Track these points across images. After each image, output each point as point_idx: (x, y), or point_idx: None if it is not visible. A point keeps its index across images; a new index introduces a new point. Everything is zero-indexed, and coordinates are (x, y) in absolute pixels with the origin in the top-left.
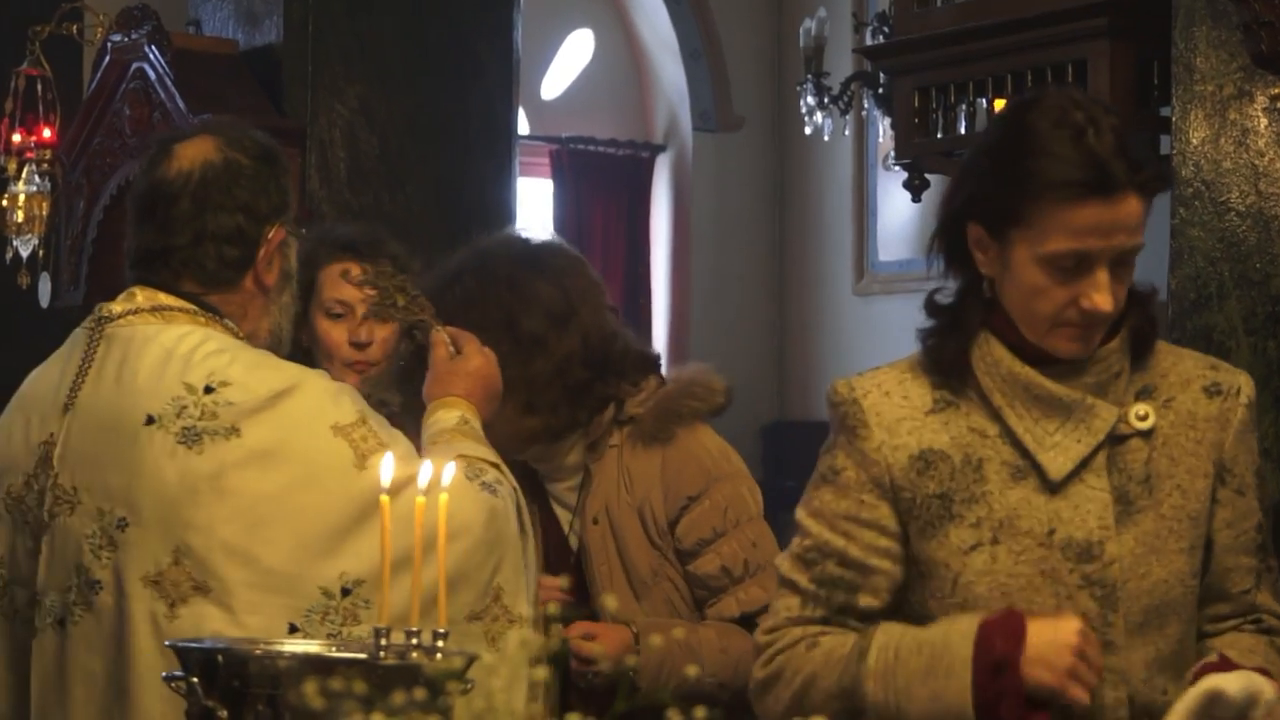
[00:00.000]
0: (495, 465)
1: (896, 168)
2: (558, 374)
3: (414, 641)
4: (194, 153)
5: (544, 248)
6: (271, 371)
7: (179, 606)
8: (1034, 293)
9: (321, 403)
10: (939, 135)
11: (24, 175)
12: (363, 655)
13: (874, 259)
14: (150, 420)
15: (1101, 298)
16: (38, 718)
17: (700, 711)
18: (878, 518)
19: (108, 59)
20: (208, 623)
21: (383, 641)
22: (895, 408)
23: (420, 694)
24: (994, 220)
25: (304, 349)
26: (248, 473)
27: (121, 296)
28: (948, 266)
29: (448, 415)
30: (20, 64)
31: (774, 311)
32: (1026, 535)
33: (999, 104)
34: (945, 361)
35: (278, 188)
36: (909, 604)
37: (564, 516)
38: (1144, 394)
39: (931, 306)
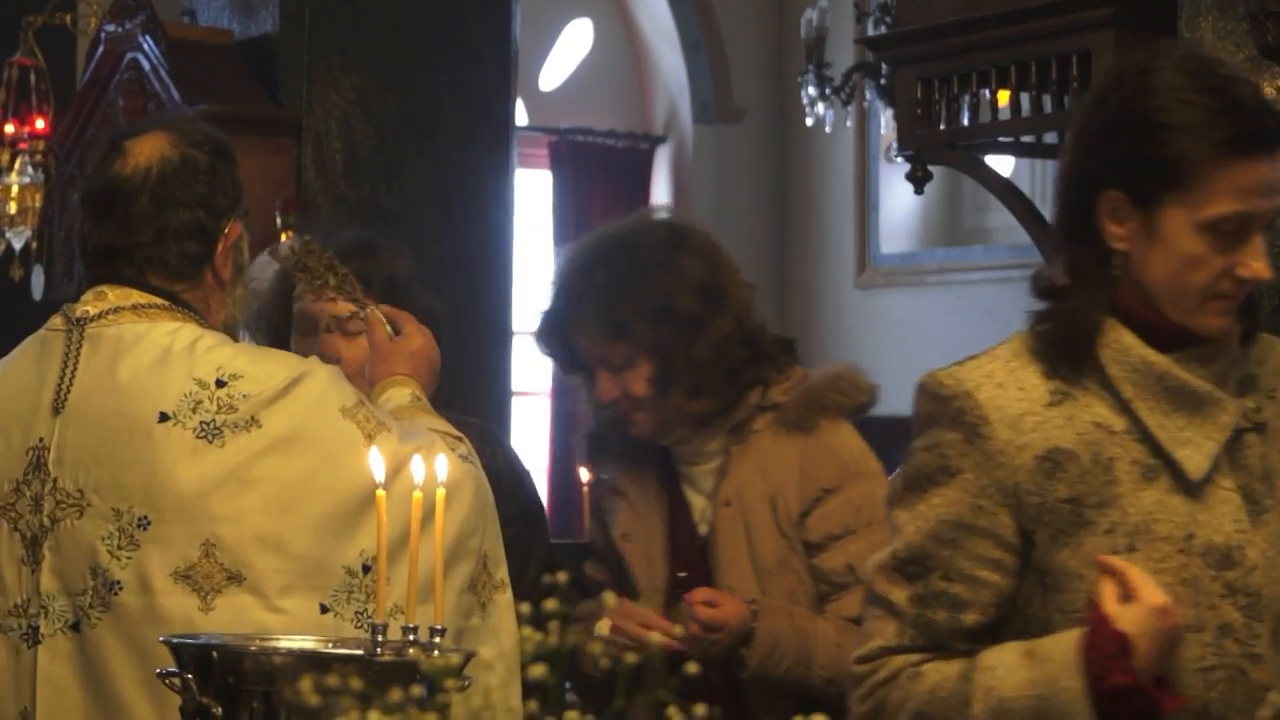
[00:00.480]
0: (460, 439)
1: (899, 159)
2: (719, 355)
3: (411, 637)
4: (149, 149)
5: (684, 225)
6: (276, 361)
7: (214, 598)
8: (1190, 263)
9: (327, 387)
10: (942, 126)
11: (17, 166)
12: (359, 651)
13: (876, 252)
14: (165, 418)
15: (1261, 264)
16: None
17: (700, 709)
18: (994, 525)
19: (101, 49)
20: (246, 611)
21: (379, 638)
22: (1014, 401)
23: (417, 691)
24: (1142, 186)
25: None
26: (272, 461)
27: (89, 296)
28: (1066, 243)
29: (400, 393)
30: (13, 54)
31: (774, 306)
32: (1165, 541)
33: (1003, 95)
34: (1069, 347)
35: (233, 181)
36: (1025, 617)
37: (695, 502)
38: (1247, 385)
39: (1046, 287)
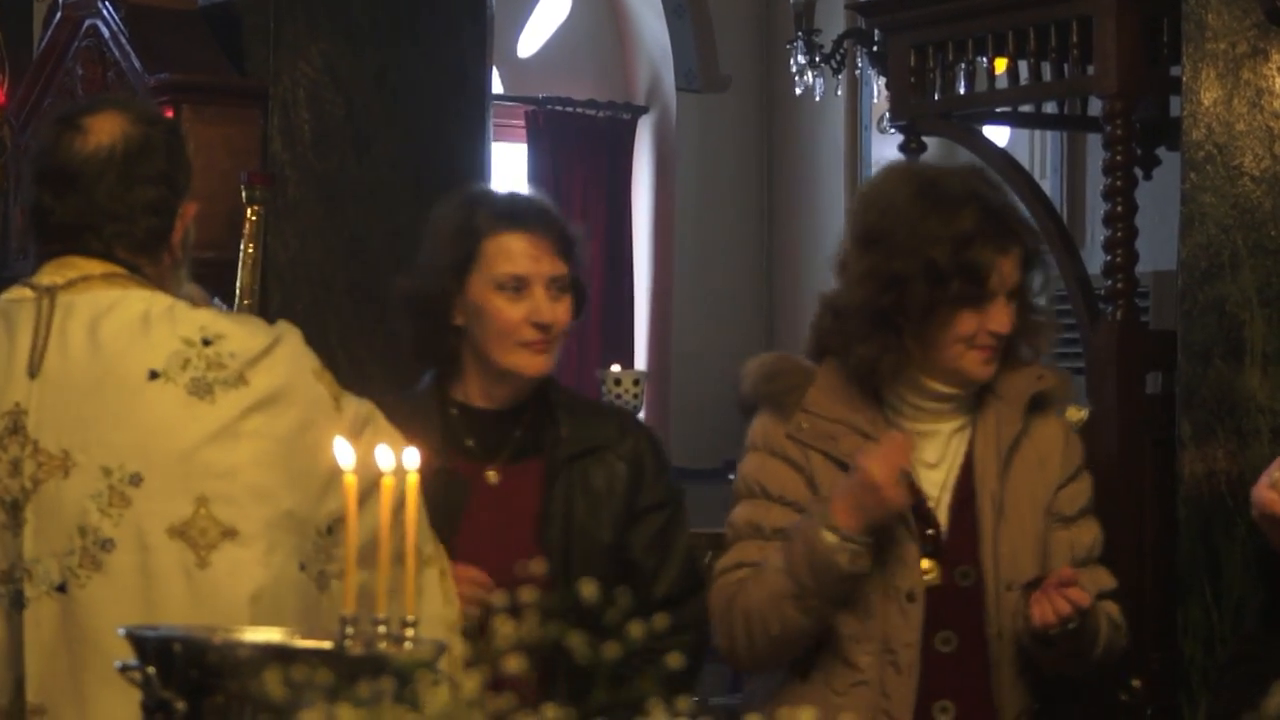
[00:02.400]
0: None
1: (892, 130)
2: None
3: (381, 630)
4: (109, 126)
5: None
6: (253, 324)
7: (209, 553)
8: None
9: (301, 350)
10: (937, 96)
11: None
12: (328, 644)
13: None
14: (154, 375)
15: None
16: (37, 690)
17: (683, 702)
18: None
19: (59, 16)
20: (242, 568)
21: (349, 630)
22: None
23: (388, 684)
24: None
25: (453, 327)
26: (261, 417)
27: (52, 267)
28: None
29: None
30: None
31: (762, 283)
32: None
33: (1000, 63)
34: None
35: (187, 160)
36: None
37: (920, 471)
38: None
39: None
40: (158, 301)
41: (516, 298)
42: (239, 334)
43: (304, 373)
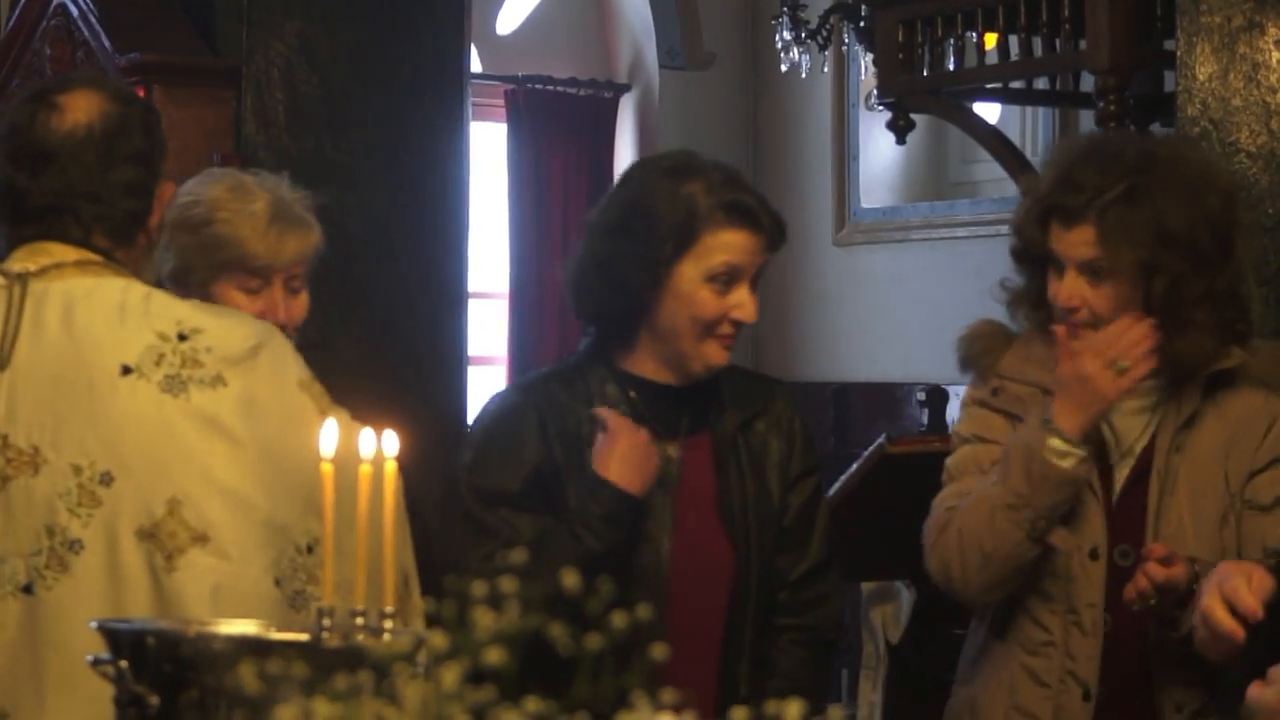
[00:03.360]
0: None
1: (879, 107)
2: (1214, 302)
3: (359, 621)
4: (85, 104)
5: (1214, 163)
6: (234, 318)
7: (176, 558)
8: None
9: (287, 357)
10: (925, 72)
11: None
12: (305, 636)
13: (856, 206)
14: (127, 370)
15: None
16: (0, 692)
17: (668, 695)
18: None
19: None
20: (208, 575)
21: (325, 621)
22: None
23: (365, 677)
24: None
25: (636, 307)
26: (240, 419)
27: (24, 253)
28: None
29: None
30: None
31: None
32: None
33: (990, 38)
34: None
35: (164, 143)
36: None
37: (1110, 443)
38: None
39: None
40: (134, 291)
41: (724, 291)
42: (217, 329)
43: (287, 383)
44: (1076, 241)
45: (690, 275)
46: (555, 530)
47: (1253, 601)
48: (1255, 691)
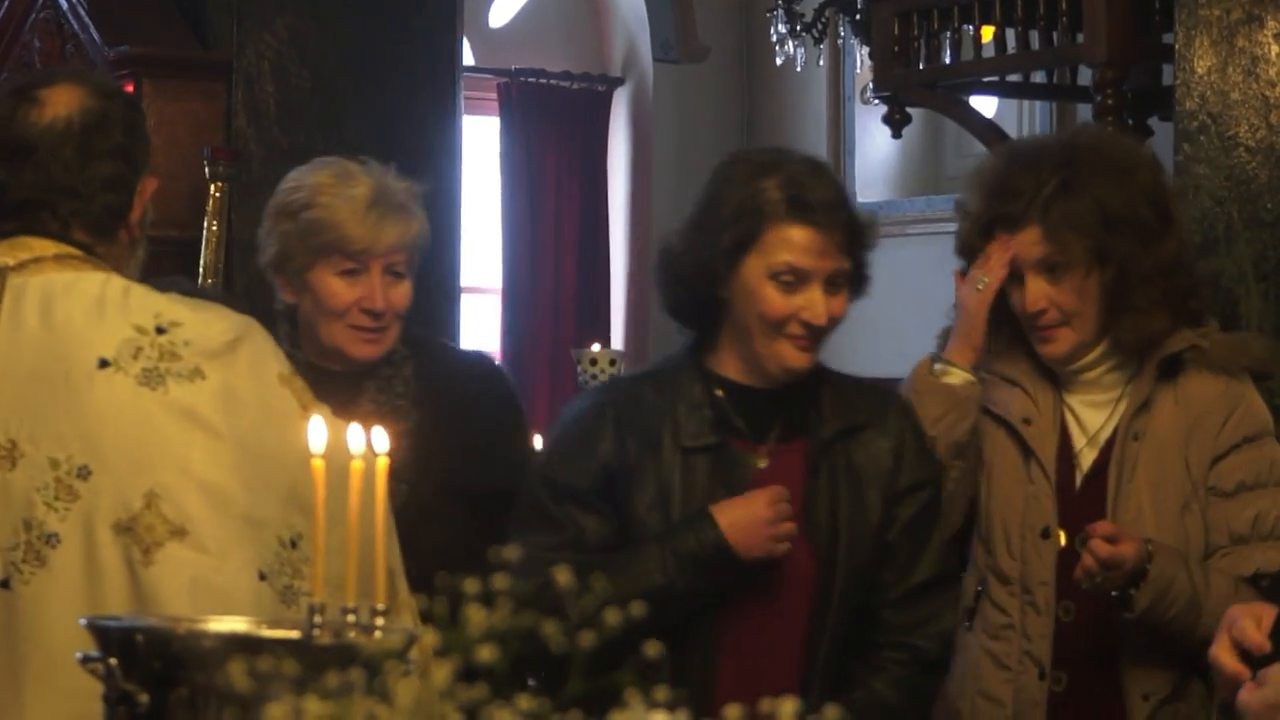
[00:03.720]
0: None
1: (875, 101)
2: (1167, 273)
3: (350, 619)
4: (66, 99)
5: (1138, 143)
6: (216, 314)
7: (154, 552)
8: None
9: (267, 351)
10: (921, 65)
11: None
12: (296, 634)
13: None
14: (105, 364)
15: None
16: None
17: (661, 693)
18: None
19: None
20: (186, 569)
21: (316, 619)
22: None
23: (357, 675)
24: None
25: (710, 303)
26: (219, 413)
27: (4, 247)
28: None
29: None
30: None
31: None
32: None
33: (986, 31)
34: None
35: (145, 135)
36: None
37: (1075, 439)
38: None
39: None
40: (113, 284)
41: (790, 290)
42: (195, 322)
43: (268, 377)
44: (1026, 243)
45: (755, 271)
46: (648, 547)
47: (1259, 638)
48: (1245, 694)
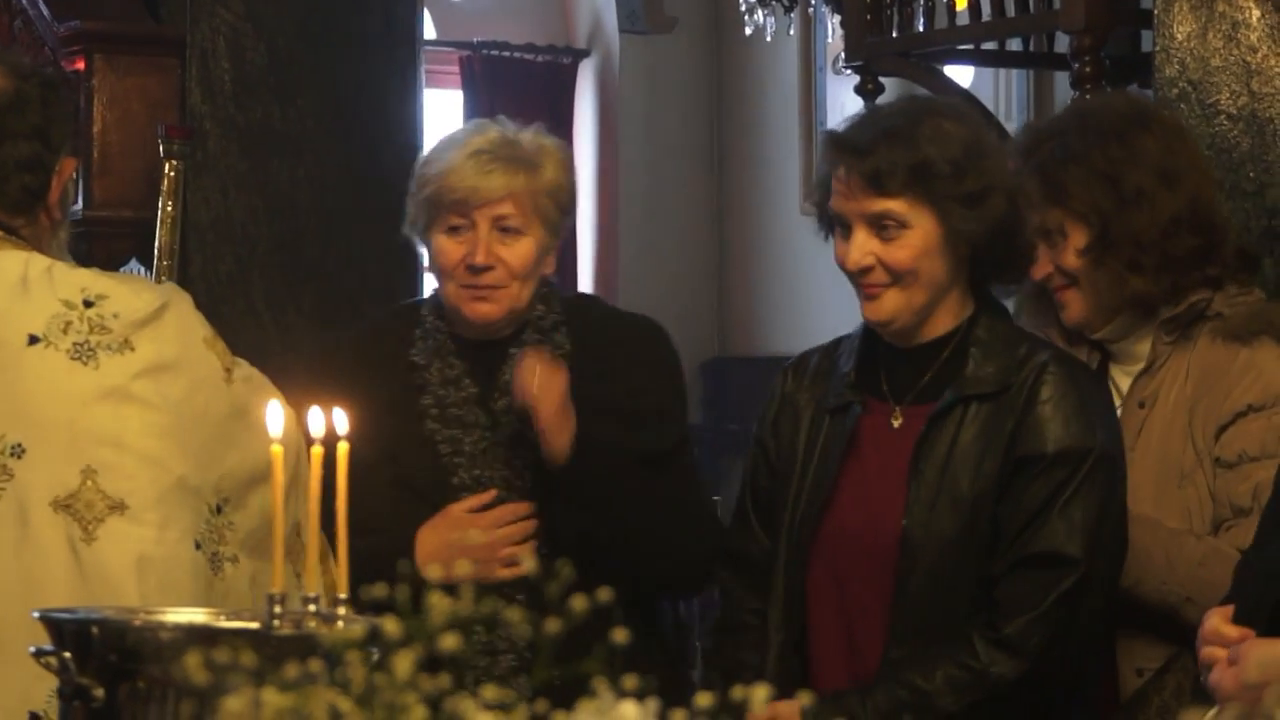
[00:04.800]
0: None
1: (847, 71)
2: (1163, 235)
3: (311, 609)
4: None
5: (1151, 106)
6: (137, 283)
7: (95, 528)
8: None
9: (191, 316)
10: (894, 34)
11: None
12: (255, 625)
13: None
14: (34, 340)
15: None
16: None
17: (630, 681)
18: None
19: None
20: (128, 544)
21: (276, 609)
22: None
23: (316, 665)
24: None
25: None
26: (151, 384)
27: None
28: None
29: None
30: None
31: (713, 234)
32: None
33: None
34: None
35: (65, 118)
36: None
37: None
38: None
39: None
40: (35, 263)
41: (843, 239)
42: (122, 293)
43: (194, 341)
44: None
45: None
46: None
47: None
48: (1218, 674)
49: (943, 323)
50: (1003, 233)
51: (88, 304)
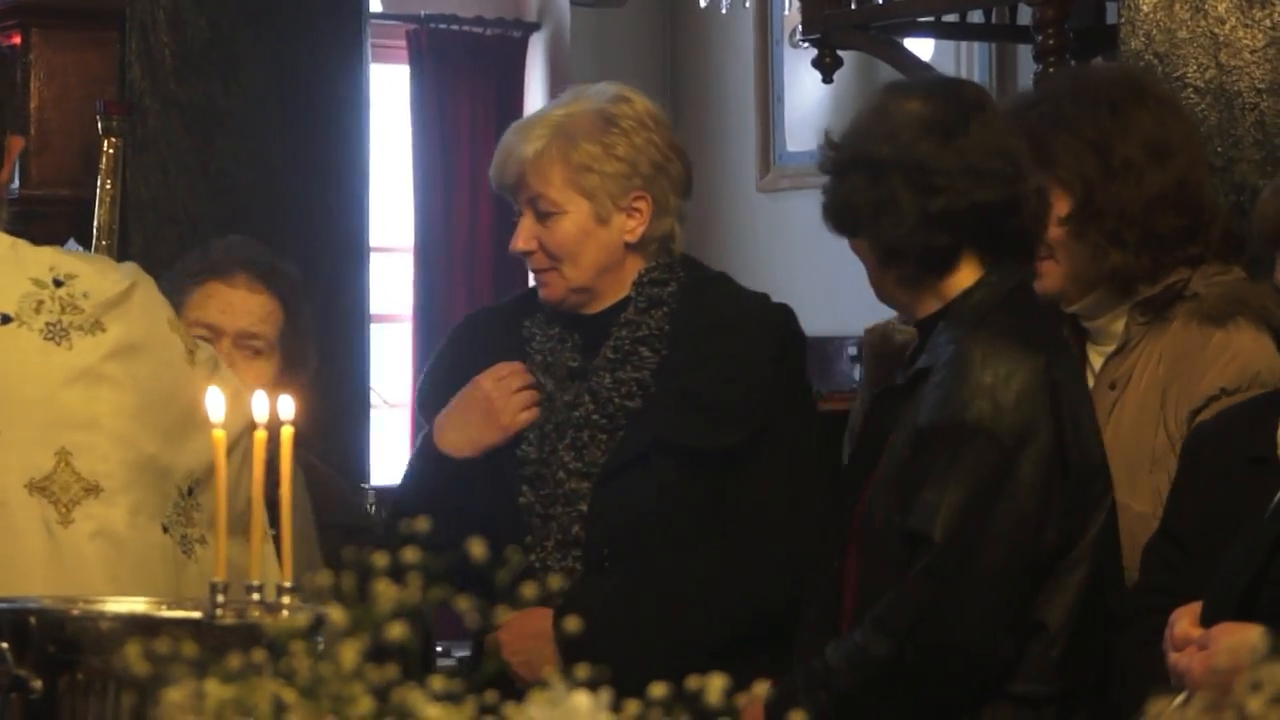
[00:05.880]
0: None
1: (805, 44)
2: (1147, 211)
3: (255, 597)
4: None
5: (1149, 79)
6: (108, 265)
7: (71, 510)
8: None
9: (156, 297)
10: (853, 5)
11: None
12: (197, 614)
13: (781, 150)
14: (6, 320)
15: None
16: None
17: (583, 671)
18: None
19: None
20: (107, 526)
21: (219, 598)
22: None
23: (260, 656)
24: None
25: None
26: (121, 365)
27: None
28: None
29: None
30: None
31: None
32: None
33: None
34: None
35: (10, 94)
36: None
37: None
38: None
39: None
40: None
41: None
42: (90, 273)
43: (160, 322)
44: None
45: None
46: None
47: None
48: (1185, 658)
49: (928, 306)
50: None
51: (58, 283)
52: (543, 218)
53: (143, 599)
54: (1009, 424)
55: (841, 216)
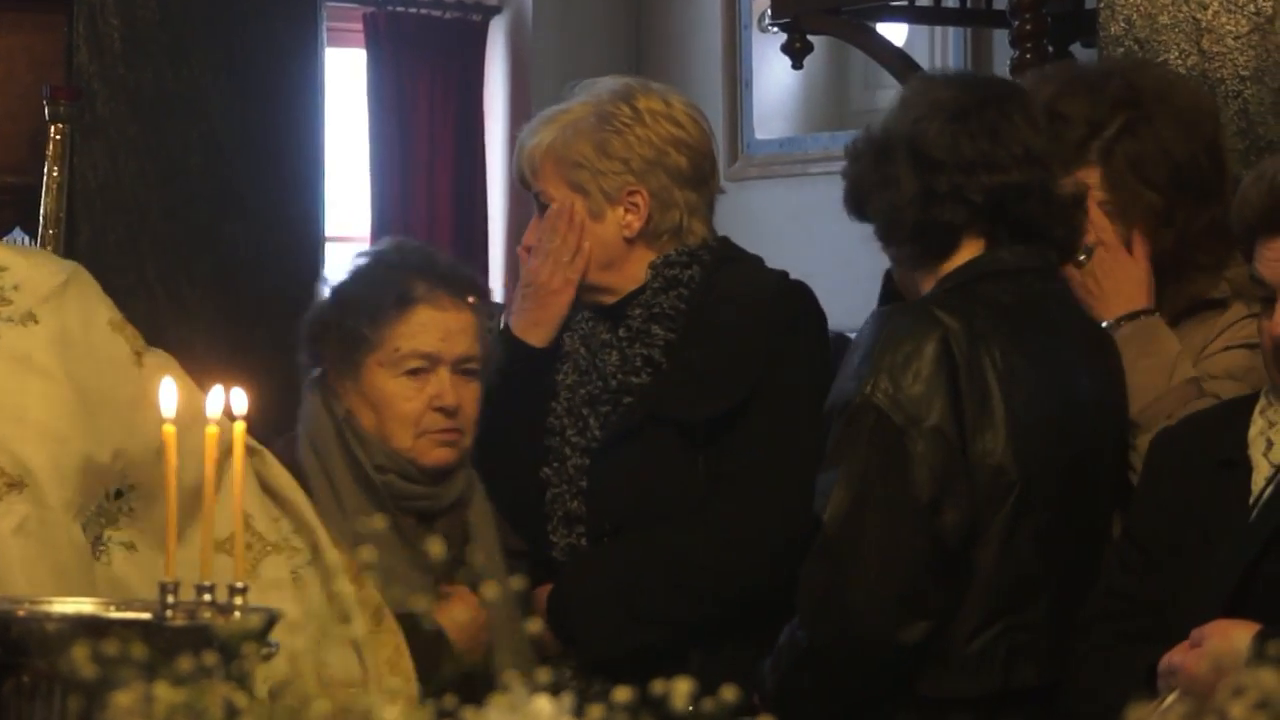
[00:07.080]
0: None
1: (774, 29)
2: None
3: (206, 598)
4: None
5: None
6: (43, 258)
7: None
8: None
9: (96, 295)
10: None
11: None
12: (147, 615)
13: (750, 138)
14: None
15: None
16: None
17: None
18: None
19: None
20: (26, 522)
21: (169, 599)
22: None
23: (211, 658)
24: None
25: None
26: (54, 357)
27: None
28: None
29: None
30: None
31: None
32: None
33: None
34: None
35: None
36: None
37: None
38: None
39: None
40: None
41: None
42: (23, 265)
43: (97, 321)
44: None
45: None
46: None
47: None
48: (1177, 656)
49: (928, 288)
50: None
51: None
52: (544, 212)
53: (90, 600)
54: (902, 402)
55: (852, 196)
